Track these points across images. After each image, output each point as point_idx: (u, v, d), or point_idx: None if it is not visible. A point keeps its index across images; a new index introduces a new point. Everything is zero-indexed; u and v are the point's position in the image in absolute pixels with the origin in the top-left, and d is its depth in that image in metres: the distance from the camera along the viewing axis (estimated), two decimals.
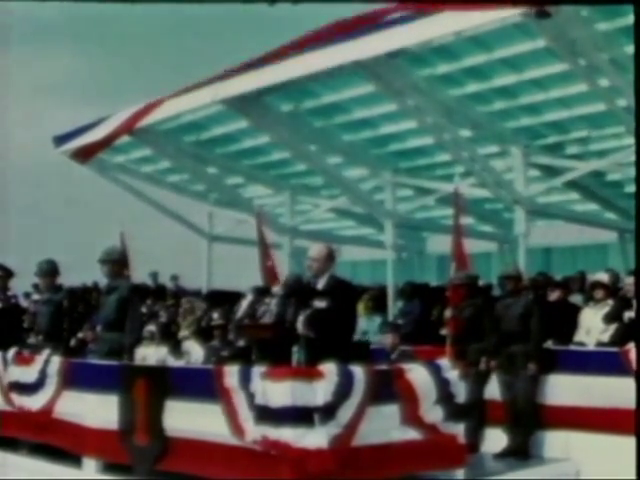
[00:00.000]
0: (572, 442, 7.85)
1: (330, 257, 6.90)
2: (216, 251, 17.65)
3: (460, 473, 6.49)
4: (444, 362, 6.64)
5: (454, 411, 6.45)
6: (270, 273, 11.87)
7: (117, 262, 8.13)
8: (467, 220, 13.54)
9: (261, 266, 12.17)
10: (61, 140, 15.04)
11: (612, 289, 8.66)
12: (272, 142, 14.40)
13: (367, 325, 10.99)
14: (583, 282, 10.13)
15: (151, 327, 9.67)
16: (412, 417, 6.19)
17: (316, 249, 6.92)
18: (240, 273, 15.21)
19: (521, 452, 7.91)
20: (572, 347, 8.36)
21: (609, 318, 8.21)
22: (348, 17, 10.64)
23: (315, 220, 17.65)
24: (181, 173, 16.71)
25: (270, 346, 7.35)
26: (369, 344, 9.32)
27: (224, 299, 11.77)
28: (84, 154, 14.77)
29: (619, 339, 8.02)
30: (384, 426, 6.04)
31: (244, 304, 10.66)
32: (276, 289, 10.39)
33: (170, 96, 12.86)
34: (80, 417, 7.32)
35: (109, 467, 7.11)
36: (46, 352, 8.09)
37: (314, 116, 13.58)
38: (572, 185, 14.40)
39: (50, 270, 8.89)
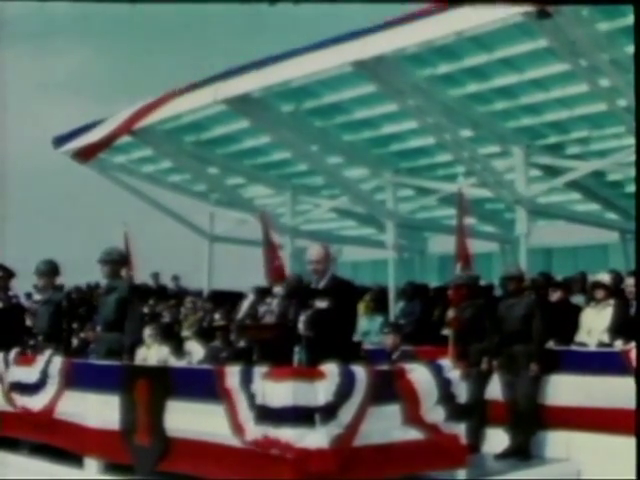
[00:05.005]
0: (573, 442, 7.85)
1: (329, 256, 6.92)
2: (217, 251, 17.62)
3: (461, 473, 6.51)
4: (445, 362, 6.65)
5: (455, 411, 6.46)
6: (277, 272, 11.83)
7: (117, 262, 8.13)
8: (468, 220, 13.52)
9: (267, 266, 12.13)
10: (60, 141, 15.03)
11: (613, 289, 8.65)
12: (273, 142, 14.38)
13: (368, 325, 10.99)
14: (584, 282, 10.11)
15: (153, 327, 9.67)
16: (413, 417, 6.19)
17: (315, 251, 6.90)
18: (241, 273, 15.23)
19: (522, 452, 7.91)
20: (573, 347, 8.36)
21: (615, 330, 8.18)
22: None
23: (316, 220, 17.62)
24: (182, 173, 16.69)
25: (271, 346, 7.35)
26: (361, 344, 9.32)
27: (225, 299, 11.78)
28: (85, 154, 14.75)
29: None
30: (385, 426, 6.04)
31: (245, 304, 10.69)
32: (277, 289, 10.42)
33: (170, 95, 12.84)
34: (81, 417, 7.34)
35: (110, 467, 7.13)
36: (47, 352, 8.09)
37: (315, 116, 13.56)
38: (573, 185, 14.39)
39: (48, 270, 8.84)
